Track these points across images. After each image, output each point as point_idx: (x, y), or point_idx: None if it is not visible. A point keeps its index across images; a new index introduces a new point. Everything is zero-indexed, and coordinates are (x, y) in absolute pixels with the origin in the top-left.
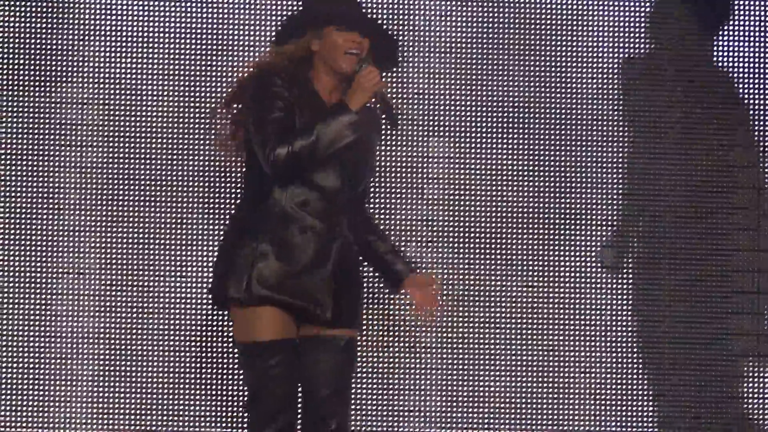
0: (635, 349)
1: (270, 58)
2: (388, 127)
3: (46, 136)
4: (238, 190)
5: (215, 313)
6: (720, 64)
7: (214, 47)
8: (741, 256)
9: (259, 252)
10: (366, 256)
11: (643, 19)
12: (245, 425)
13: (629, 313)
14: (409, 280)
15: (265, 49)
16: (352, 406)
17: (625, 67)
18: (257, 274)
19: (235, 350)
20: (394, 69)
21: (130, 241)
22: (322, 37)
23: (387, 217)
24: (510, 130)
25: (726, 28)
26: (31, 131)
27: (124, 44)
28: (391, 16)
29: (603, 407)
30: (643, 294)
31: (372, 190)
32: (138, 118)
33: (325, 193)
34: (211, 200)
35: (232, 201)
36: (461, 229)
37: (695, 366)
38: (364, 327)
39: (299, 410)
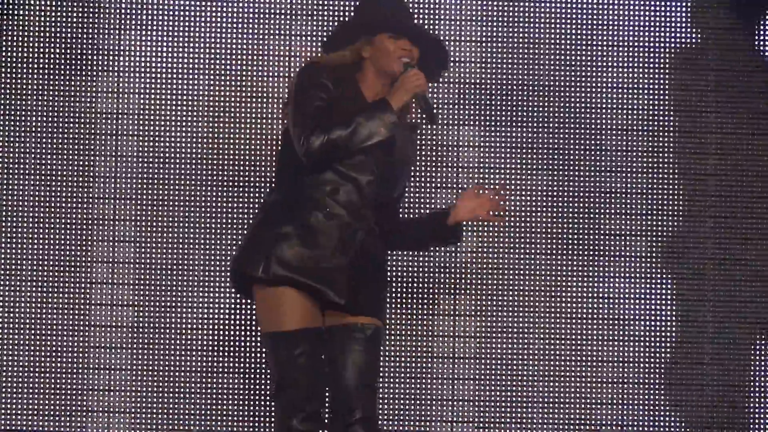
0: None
1: (320, 60)
2: (425, 122)
3: (79, 128)
4: (269, 181)
5: (243, 303)
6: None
7: (249, 43)
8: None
9: (282, 233)
10: (402, 243)
11: (683, 11)
12: (273, 414)
13: (671, 314)
14: (458, 202)
15: (315, 53)
16: (379, 397)
17: (667, 59)
18: (277, 254)
19: (261, 340)
20: (443, 71)
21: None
22: (374, 44)
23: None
24: (533, 125)
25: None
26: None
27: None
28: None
29: (625, 406)
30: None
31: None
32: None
33: (355, 185)
34: (237, 195)
35: (258, 195)
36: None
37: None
38: (390, 325)
39: (326, 399)
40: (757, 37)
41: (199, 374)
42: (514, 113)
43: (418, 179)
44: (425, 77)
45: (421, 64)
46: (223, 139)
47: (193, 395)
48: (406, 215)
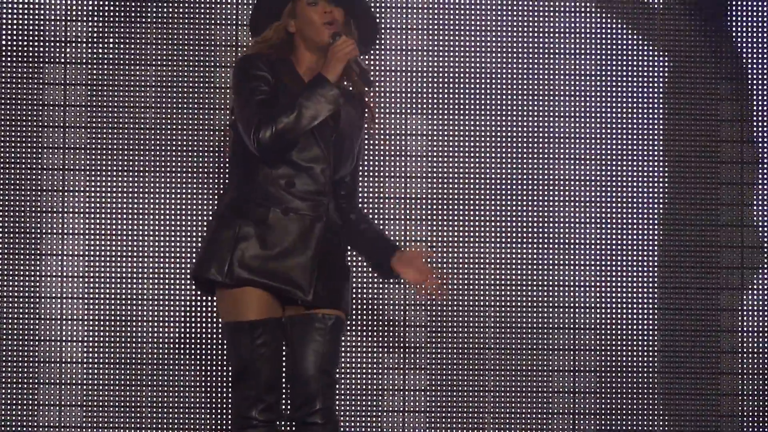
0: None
1: (252, 49)
2: (364, 86)
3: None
4: (226, 177)
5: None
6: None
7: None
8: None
9: (242, 234)
10: (354, 242)
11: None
12: (231, 404)
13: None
14: (397, 260)
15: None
16: (338, 388)
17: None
18: (239, 257)
19: (222, 330)
20: (375, 36)
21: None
22: (297, 16)
23: (377, 206)
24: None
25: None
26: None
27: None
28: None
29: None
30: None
31: (360, 181)
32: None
33: (310, 175)
34: (188, 185)
35: (208, 186)
36: (452, 219)
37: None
38: (352, 320)
39: (285, 389)
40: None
41: (156, 366)
42: (462, 102)
43: (365, 169)
44: (354, 42)
45: (349, 29)
46: (173, 129)
47: (150, 388)
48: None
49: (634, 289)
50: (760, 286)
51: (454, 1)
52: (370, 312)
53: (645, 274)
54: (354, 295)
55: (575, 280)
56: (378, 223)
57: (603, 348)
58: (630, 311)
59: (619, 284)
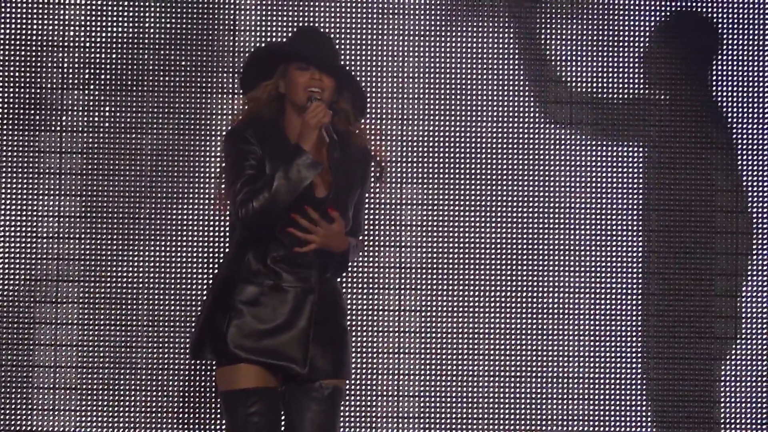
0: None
1: (242, 113)
2: (367, 142)
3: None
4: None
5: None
6: (710, 95)
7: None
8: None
9: (235, 311)
10: None
11: (637, 58)
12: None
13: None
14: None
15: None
16: None
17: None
18: (232, 335)
19: (218, 399)
20: (365, 107)
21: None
22: (287, 77)
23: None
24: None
25: (717, 61)
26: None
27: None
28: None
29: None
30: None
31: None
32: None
33: (290, 249)
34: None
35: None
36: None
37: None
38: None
39: None
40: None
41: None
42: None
43: None
44: (325, 109)
45: (342, 99)
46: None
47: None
48: None
49: (625, 295)
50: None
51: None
52: (364, 318)
53: (632, 280)
54: (350, 302)
55: (570, 285)
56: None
57: (596, 354)
58: (622, 316)
59: (612, 289)
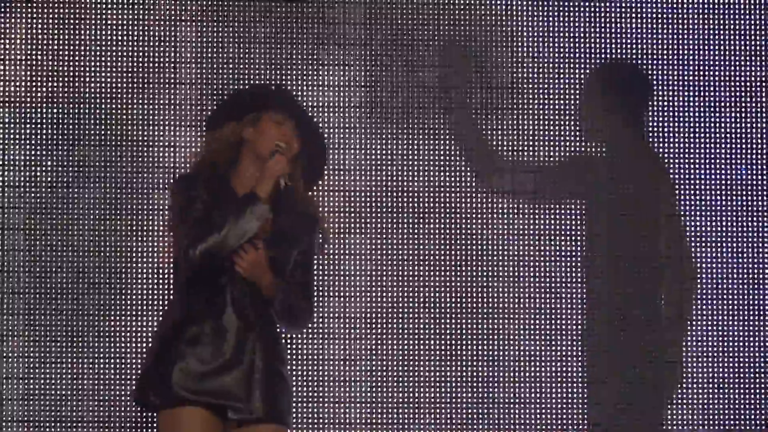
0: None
1: (199, 154)
2: (316, 209)
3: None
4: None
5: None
6: (647, 143)
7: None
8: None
9: (178, 354)
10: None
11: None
12: None
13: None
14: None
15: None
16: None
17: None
18: (177, 377)
19: None
20: (322, 174)
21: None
22: (258, 126)
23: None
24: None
25: (648, 111)
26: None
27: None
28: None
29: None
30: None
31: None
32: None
33: (240, 291)
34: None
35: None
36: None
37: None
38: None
39: None
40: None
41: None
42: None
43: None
44: (286, 162)
45: (300, 162)
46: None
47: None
48: None
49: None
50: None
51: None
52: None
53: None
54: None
55: (545, 290)
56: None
57: (541, 375)
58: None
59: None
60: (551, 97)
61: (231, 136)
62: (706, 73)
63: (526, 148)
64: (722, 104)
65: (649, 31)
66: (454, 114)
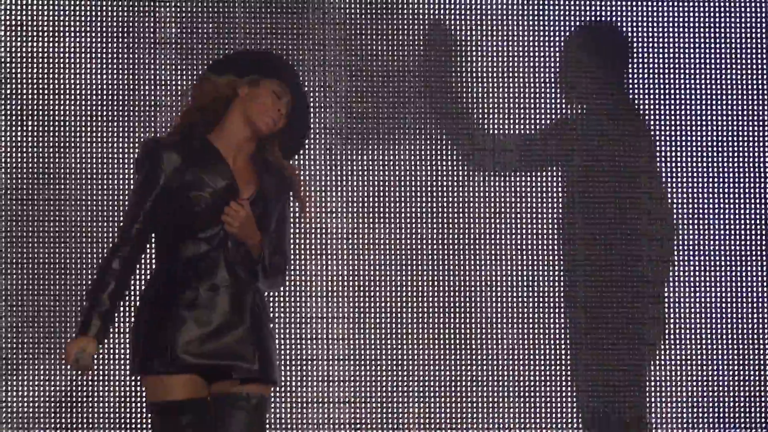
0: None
1: (185, 108)
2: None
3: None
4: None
5: None
6: (628, 103)
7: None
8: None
9: (179, 319)
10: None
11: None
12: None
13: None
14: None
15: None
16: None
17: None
18: (181, 344)
19: (147, 409)
20: (297, 151)
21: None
22: (257, 87)
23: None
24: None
25: (630, 66)
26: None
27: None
28: None
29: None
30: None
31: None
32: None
33: (226, 251)
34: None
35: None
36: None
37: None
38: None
39: None
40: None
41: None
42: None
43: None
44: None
45: (281, 134)
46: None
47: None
48: None
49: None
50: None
51: None
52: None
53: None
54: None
55: (498, 296)
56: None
57: (529, 372)
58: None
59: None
60: (528, 62)
61: (226, 87)
62: (690, 33)
63: (508, 121)
64: (704, 63)
65: None
66: (436, 97)
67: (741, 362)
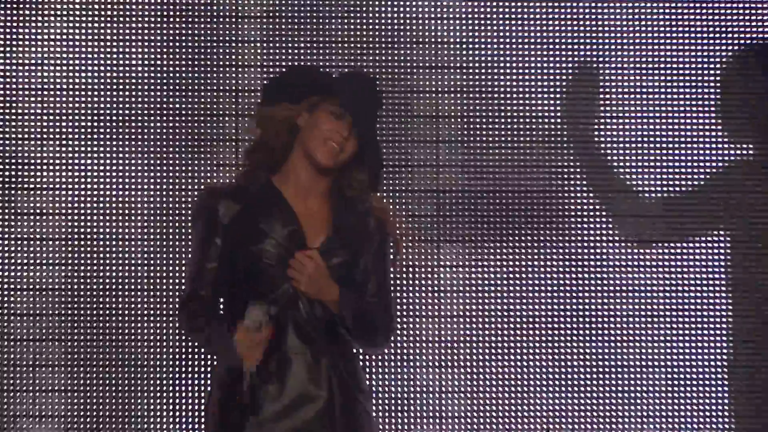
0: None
1: (252, 142)
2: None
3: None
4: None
5: None
6: None
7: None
8: None
9: (247, 399)
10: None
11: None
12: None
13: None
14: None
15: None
16: None
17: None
18: (251, 427)
19: None
20: (381, 178)
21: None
22: (313, 113)
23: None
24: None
25: None
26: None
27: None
28: None
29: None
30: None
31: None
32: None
33: (296, 309)
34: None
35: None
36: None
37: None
38: None
39: None
40: None
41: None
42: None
43: None
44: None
45: (354, 167)
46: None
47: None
48: None
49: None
50: None
51: None
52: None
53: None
54: None
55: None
56: None
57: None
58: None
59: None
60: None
61: (284, 117)
62: None
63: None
64: None
65: None
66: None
67: None
